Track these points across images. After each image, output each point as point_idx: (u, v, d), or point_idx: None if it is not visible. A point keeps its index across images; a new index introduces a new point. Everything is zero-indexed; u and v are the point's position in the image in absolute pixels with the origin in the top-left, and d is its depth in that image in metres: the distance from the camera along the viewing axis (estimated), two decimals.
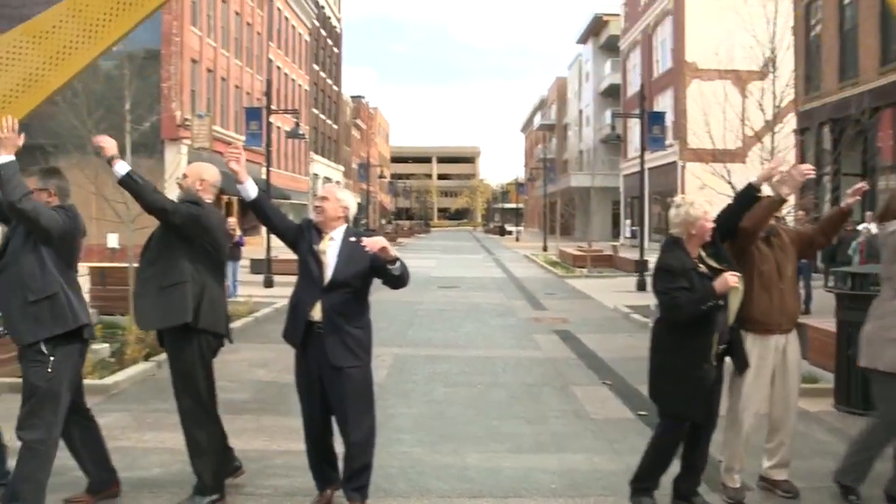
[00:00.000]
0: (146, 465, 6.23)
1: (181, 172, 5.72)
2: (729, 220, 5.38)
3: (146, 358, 10.07)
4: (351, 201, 5.42)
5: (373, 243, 4.94)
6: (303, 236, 5.32)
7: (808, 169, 5.42)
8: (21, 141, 4.98)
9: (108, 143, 5.20)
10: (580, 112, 70.31)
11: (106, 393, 8.72)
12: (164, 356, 10.28)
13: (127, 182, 5.12)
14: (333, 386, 5.14)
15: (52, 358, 4.85)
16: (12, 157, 4.86)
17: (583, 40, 67.28)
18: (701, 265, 5.15)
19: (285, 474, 6.03)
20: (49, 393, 4.87)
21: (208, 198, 5.58)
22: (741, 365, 5.31)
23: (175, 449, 6.61)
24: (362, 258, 5.14)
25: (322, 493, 5.38)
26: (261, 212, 5.40)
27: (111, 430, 7.20)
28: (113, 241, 29.87)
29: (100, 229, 30.68)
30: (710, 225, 5.16)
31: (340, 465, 5.37)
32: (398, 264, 5.08)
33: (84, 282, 15.80)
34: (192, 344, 5.38)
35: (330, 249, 5.22)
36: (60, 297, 4.87)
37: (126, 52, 13.29)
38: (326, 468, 5.41)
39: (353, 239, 5.24)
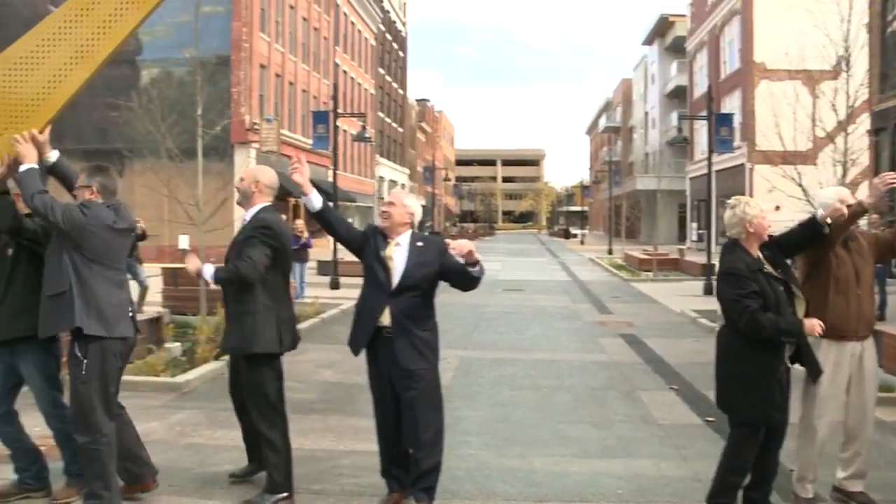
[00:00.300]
0: (217, 461, 6.35)
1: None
2: (790, 244, 5.29)
3: (216, 357, 10.26)
4: (416, 207, 5.52)
5: (460, 247, 5.09)
6: (368, 243, 5.39)
7: (892, 178, 5.26)
8: (45, 137, 5.28)
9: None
10: (646, 114, 69.53)
11: (178, 391, 8.93)
12: None
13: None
14: (403, 388, 5.22)
15: (84, 360, 4.95)
16: (33, 166, 5.08)
17: (648, 41, 66.52)
18: (766, 265, 5.04)
19: (352, 474, 6.10)
20: (85, 396, 4.95)
21: (265, 200, 5.71)
22: (814, 372, 5.18)
23: (245, 446, 6.75)
24: (430, 262, 5.30)
25: (391, 493, 5.43)
26: (326, 222, 5.48)
27: (183, 427, 7.40)
28: (184, 242, 30.57)
29: (171, 231, 31.50)
30: (768, 223, 5.05)
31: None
32: (478, 267, 5.21)
33: (157, 282, 16.23)
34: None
35: (397, 254, 5.29)
36: (66, 296, 4.95)
37: (198, 58, 13.58)
38: (397, 470, 5.45)
39: (419, 243, 5.36)
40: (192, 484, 5.82)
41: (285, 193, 33.72)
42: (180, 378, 9.23)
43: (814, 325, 4.89)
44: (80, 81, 5.33)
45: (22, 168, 5.07)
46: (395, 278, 5.23)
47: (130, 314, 5.19)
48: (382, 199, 58.44)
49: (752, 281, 4.92)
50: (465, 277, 5.32)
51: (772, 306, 4.92)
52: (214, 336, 10.60)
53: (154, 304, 15.11)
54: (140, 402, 8.25)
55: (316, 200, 5.34)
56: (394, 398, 5.33)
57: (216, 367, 9.95)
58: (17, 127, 5.22)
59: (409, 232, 5.42)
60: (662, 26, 61.03)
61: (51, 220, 4.91)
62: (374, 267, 5.30)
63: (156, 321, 11.22)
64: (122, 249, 5.23)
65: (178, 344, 11.07)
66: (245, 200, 5.68)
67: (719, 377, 5.20)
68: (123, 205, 5.30)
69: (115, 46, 5.32)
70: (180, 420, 7.71)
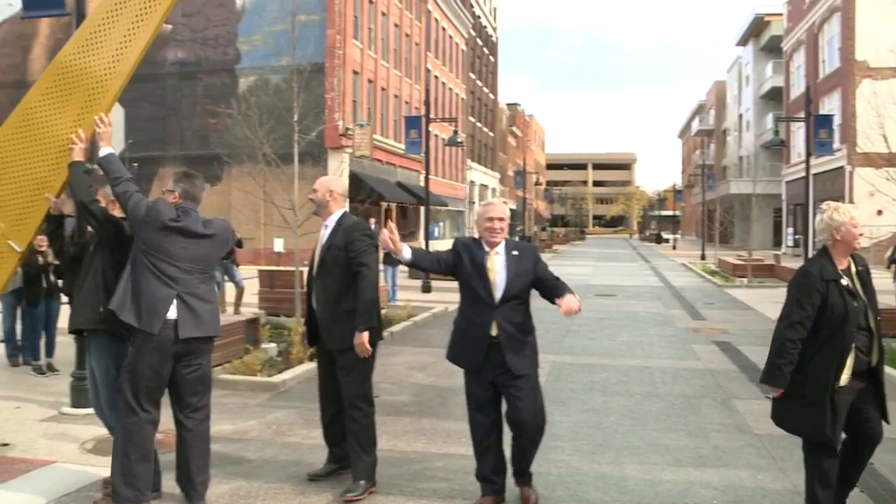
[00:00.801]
0: (312, 460, 6.47)
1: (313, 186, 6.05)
2: None
3: (311, 358, 10.46)
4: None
5: (568, 308, 5.23)
6: (461, 260, 5.45)
7: None
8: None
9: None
10: (740, 116, 67.89)
11: (274, 390, 9.15)
12: None
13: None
14: (512, 392, 5.33)
15: (130, 348, 5.20)
16: (113, 150, 5.47)
17: (742, 42, 64.91)
18: (845, 278, 4.82)
19: (444, 477, 6.14)
20: (119, 380, 5.22)
21: (342, 206, 5.96)
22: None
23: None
24: (527, 270, 5.42)
25: (484, 497, 5.45)
26: (420, 267, 5.66)
27: (280, 426, 7.58)
28: (279, 245, 31.32)
29: (267, 234, 32.30)
30: (858, 231, 4.84)
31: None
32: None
33: (253, 284, 16.66)
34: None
35: (497, 265, 5.38)
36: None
37: (294, 66, 13.88)
38: (495, 476, 5.48)
39: (515, 252, 5.46)
40: (289, 482, 5.96)
41: (379, 197, 34.23)
42: (276, 378, 9.45)
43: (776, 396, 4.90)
44: (141, 47, 5.69)
45: (103, 152, 5.42)
46: (498, 291, 5.33)
47: (174, 316, 5.10)
48: (473, 203, 58.47)
49: (817, 290, 4.75)
50: (556, 291, 5.39)
51: (835, 321, 4.72)
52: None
53: (251, 306, 15.52)
54: (238, 401, 8.51)
55: (406, 253, 5.40)
56: (495, 403, 5.44)
57: (311, 368, 10.13)
58: (94, 102, 5.60)
59: (504, 240, 5.51)
60: (757, 26, 59.48)
61: (123, 205, 5.27)
62: (472, 283, 5.38)
63: (252, 322, 11.53)
64: (179, 248, 5.21)
65: (273, 344, 11.33)
66: (322, 209, 5.95)
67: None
68: (190, 209, 5.41)
69: (167, 9, 5.70)
70: (276, 419, 7.90)
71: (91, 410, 7.62)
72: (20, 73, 39.12)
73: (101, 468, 5.94)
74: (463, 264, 5.42)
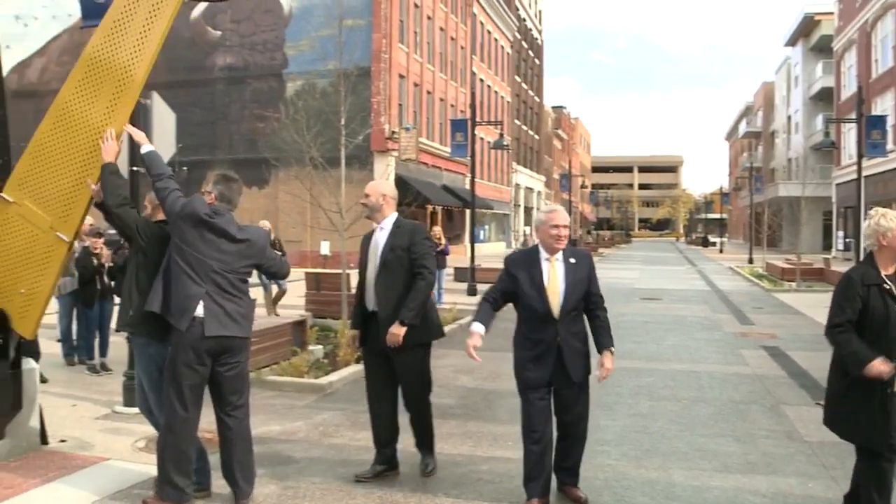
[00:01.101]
0: (359, 461, 6.52)
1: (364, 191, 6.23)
2: None
3: (357, 360, 10.54)
4: None
5: (606, 373, 5.49)
6: (518, 279, 5.51)
7: None
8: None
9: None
10: (788, 118, 66.83)
11: (321, 392, 9.23)
12: None
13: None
14: (571, 396, 5.55)
15: (170, 349, 5.38)
16: (152, 147, 5.73)
17: (791, 42, 63.85)
18: (889, 283, 4.76)
19: (490, 480, 6.15)
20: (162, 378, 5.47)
21: (394, 210, 6.21)
22: None
23: None
24: (583, 278, 5.56)
25: (531, 499, 5.44)
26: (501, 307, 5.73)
27: (326, 428, 7.66)
28: (325, 248, 31.57)
29: (313, 237, 32.60)
30: None
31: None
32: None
33: (300, 286, 16.82)
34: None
35: (558, 274, 5.49)
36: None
37: (341, 69, 14.00)
38: (547, 480, 5.52)
39: (572, 259, 5.56)
40: (336, 482, 6.02)
41: (425, 200, 34.35)
42: (323, 380, 9.53)
43: (878, 369, 4.57)
44: (161, 31, 5.86)
45: (145, 149, 5.65)
46: (559, 303, 5.42)
47: (200, 314, 5.22)
48: (519, 206, 58.17)
49: (859, 295, 4.73)
50: (600, 334, 5.65)
51: (876, 326, 4.68)
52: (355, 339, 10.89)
53: (297, 308, 15.67)
54: (285, 402, 8.61)
55: (479, 329, 5.49)
56: (549, 406, 5.54)
57: (357, 370, 10.21)
58: (124, 88, 5.82)
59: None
60: (807, 26, 58.51)
61: (161, 201, 5.44)
62: (533, 299, 5.44)
63: (299, 324, 11.64)
64: (210, 246, 5.33)
65: (320, 347, 11.44)
66: (375, 213, 6.15)
67: (826, 392, 5.04)
68: (222, 208, 5.51)
69: None
70: (323, 420, 7.98)
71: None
72: None
73: (152, 466, 6.04)
74: (521, 281, 5.48)
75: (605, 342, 5.56)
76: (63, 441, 6.83)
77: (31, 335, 6.08)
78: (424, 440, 6.29)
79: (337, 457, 6.69)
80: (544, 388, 5.48)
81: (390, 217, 6.11)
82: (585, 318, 5.64)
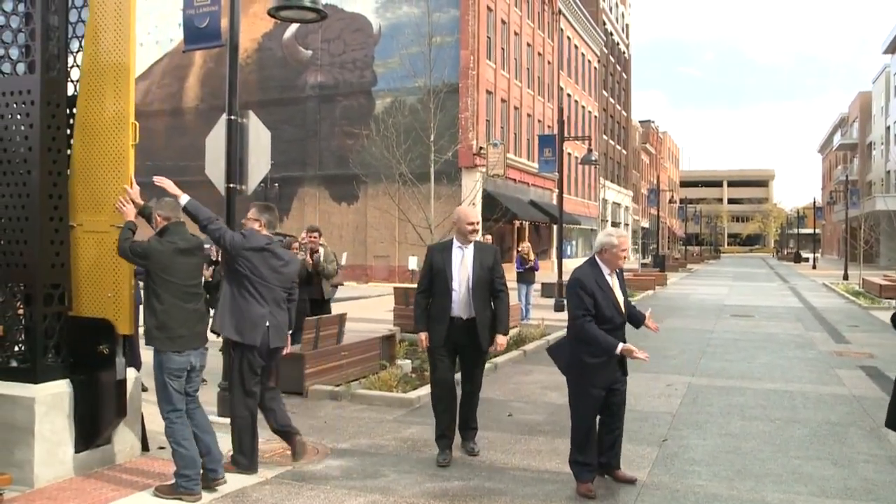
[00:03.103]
0: (447, 476, 6.59)
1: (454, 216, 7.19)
2: None
3: None
4: None
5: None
6: (595, 295, 6.12)
7: None
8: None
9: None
10: (887, 129, 64.35)
11: (409, 406, 9.31)
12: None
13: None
14: (619, 388, 6.34)
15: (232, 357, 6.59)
16: (188, 197, 6.25)
17: (890, 50, 61.51)
18: None
19: (580, 497, 6.12)
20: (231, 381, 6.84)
21: (477, 237, 7.28)
22: None
23: (473, 464, 6.97)
24: (625, 290, 6.46)
25: (586, 483, 6.18)
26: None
27: (415, 442, 7.73)
28: (413, 263, 31.82)
29: (401, 252, 32.94)
30: None
31: None
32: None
33: (388, 301, 17.01)
34: None
35: (617, 286, 6.31)
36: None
37: (430, 86, 14.16)
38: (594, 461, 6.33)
39: (617, 272, 6.37)
40: (424, 497, 6.08)
41: (512, 216, 34.35)
42: (412, 394, 9.62)
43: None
44: (131, 16, 6.41)
45: (183, 200, 6.21)
46: (624, 311, 6.28)
47: (266, 325, 6.42)
48: (606, 222, 57.68)
49: None
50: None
51: None
52: None
53: (386, 322, 15.85)
54: (374, 416, 8.73)
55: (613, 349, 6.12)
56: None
57: None
58: (121, 78, 6.38)
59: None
60: None
61: (218, 239, 6.30)
62: (610, 311, 6.13)
63: (388, 339, 11.78)
64: (269, 270, 6.44)
65: (408, 361, 11.55)
66: (472, 235, 7.26)
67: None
68: (276, 243, 6.68)
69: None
70: (412, 435, 8.05)
71: None
72: (176, 100, 41.50)
73: (243, 475, 6.32)
74: (598, 296, 6.12)
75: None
76: (162, 448, 7.08)
77: (129, 330, 6.47)
78: (475, 428, 7.42)
79: (425, 472, 6.76)
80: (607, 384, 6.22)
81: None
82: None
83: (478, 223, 7.22)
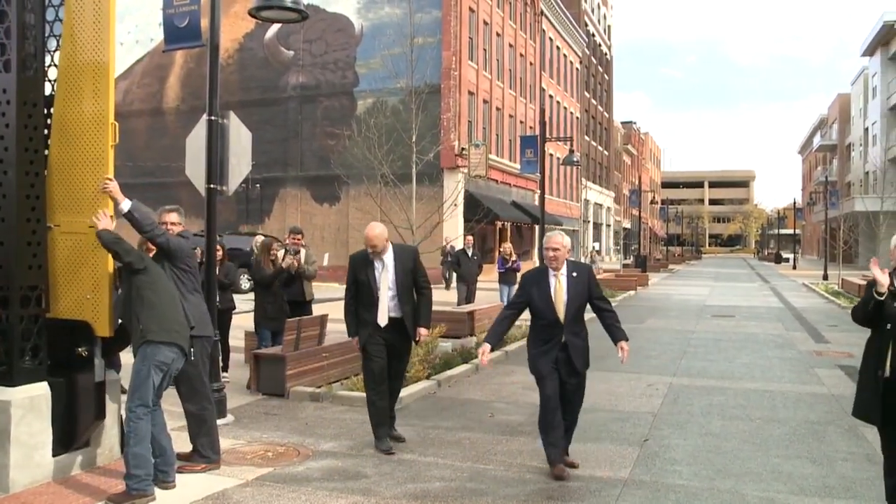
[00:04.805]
0: (427, 478, 6.58)
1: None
2: None
3: (428, 377, 10.60)
4: (568, 241, 6.94)
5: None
6: (532, 294, 6.77)
7: None
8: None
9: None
10: (866, 130, 64.90)
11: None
12: (444, 375, 10.84)
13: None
14: (571, 387, 6.75)
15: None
16: (130, 202, 6.19)
17: (869, 52, 62.00)
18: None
19: (560, 497, 6.13)
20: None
21: (383, 246, 7.54)
22: None
23: (455, 465, 6.96)
24: (583, 290, 6.82)
25: (559, 465, 6.61)
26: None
27: (396, 443, 7.69)
28: None
29: None
30: None
31: None
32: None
33: None
34: None
35: (563, 286, 6.74)
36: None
37: (411, 87, 14.14)
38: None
39: (574, 273, 6.82)
40: (406, 498, 6.06)
41: (494, 217, 34.36)
42: None
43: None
44: (110, 15, 6.36)
45: (125, 206, 6.14)
46: (562, 311, 6.67)
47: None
48: (588, 222, 57.78)
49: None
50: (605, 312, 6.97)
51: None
52: (425, 356, 10.97)
53: None
54: (355, 417, 8.69)
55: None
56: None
57: (427, 386, 10.29)
58: (100, 77, 6.36)
59: (566, 263, 6.80)
60: (886, 34, 56.77)
61: (163, 244, 6.38)
62: (542, 308, 6.71)
63: None
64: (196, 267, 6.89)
65: None
66: (383, 251, 7.58)
67: None
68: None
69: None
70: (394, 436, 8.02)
71: (226, 420, 8.03)
72: (157, 101, 41.27)
73: (226, 477, 6.29)
74: (536, 294, 6.73)
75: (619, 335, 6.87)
76: None
77: (110, 332, 6.38)
78: (394, 417, 7.83)
79: (407, 473, 6.74)
80: (555, 376, 6.64)
81: (389, 248, 7.55)
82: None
83: (378, 244, 7.43)
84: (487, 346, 6.81)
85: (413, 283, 7.58)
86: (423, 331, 7.64)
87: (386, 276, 7.46)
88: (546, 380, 6.63)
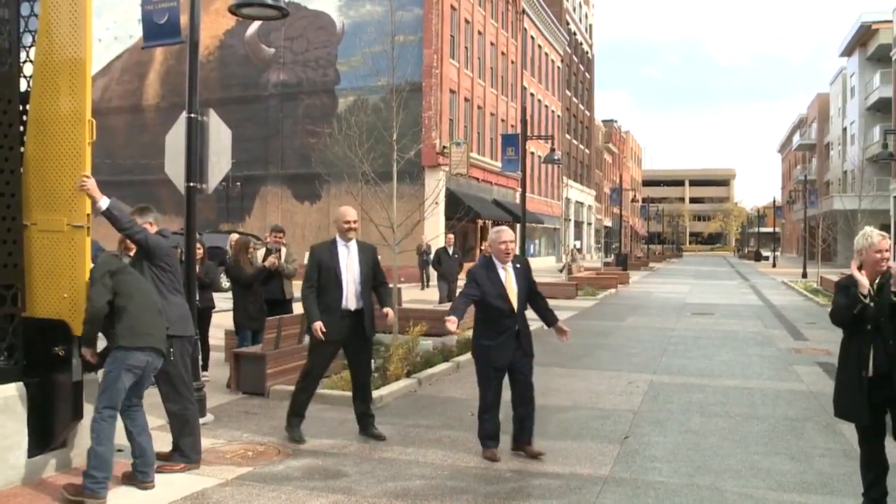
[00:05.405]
0: (408, 476, 6.56)
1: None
2: None
3: (408, 375, 10.58)
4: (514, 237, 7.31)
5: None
6: (483, 285, 7.01)
7: None
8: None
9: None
10: (844, 130, 65.50)
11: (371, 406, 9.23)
12: (425, 373, 10.83)
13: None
14: (522, 370, 7.13)
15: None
16: (108, 200, 6.19)
17: (847, 52, 62.60)
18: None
19: (541, 495, 6.13)
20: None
21: (355, 235, 7.81)
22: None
23: (435, 463, 6.95)
24: (526, 281, 7.21)
25: (492, 449, 7.09)
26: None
27: (377, 442, 7.68)
28: None
29: None
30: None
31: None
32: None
33: None
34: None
35: (512, 278, 7.08)
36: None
37: (393, 85, 14.08)
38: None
39: (518, 265, 7.18)
40: (386, 497, 6.04)
41: (475, 215, 34.37)
42: (374, 394, 9.51)
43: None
44: (87, 11, 6.32)
45: (103, 204, 6.13)
46: (515, 301, 7.03)
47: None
48: (569, 220, 57.90)
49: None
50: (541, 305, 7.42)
51: None
52: (406, 354, 10.95)
53: None
54: (336, 416, 8.67)
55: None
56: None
57: (407, 384, 10.28)
58: (77, 73, 6.28)
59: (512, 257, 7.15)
60: (864, 35, 57.34)
61: (142, 241, 6.36)
62: (495, 299, 6.99)
63: None
64: (178, 265, 6.88)
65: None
66: (354, 233, 7.83)
67: None
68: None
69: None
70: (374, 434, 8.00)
71: (206, 419, 7.98)
72: (136, 98, 40.99)
73: (206, 476, 6.25)
74: (487, 286, 7.01)
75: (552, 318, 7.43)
76: (120, 450, 6.96)
77: None
78: (373, 415, 7.99)
79: (387, 471, 6.72)
80: (505, 364, 7.04)
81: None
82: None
83: (355, 222, 7.72)
84: (454, 318, 6.88)
85: (373, 279, 7.76)
86: (388, 310, 7.78)
87: (352, 265, 7.64)
88: (496, 376, 7.06)
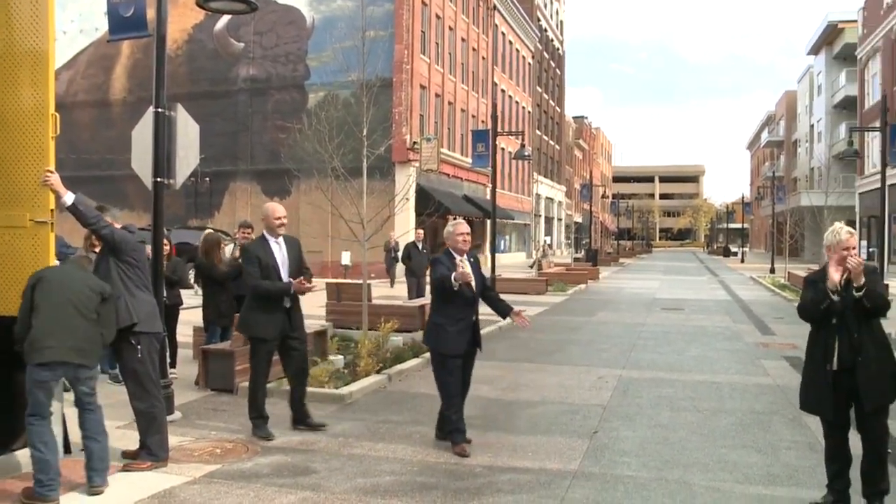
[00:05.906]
0: (379, 471, 6.56)
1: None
2: None
3: (378, 371, 10.56)
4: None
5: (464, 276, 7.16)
6: (441, 267, 7.20)
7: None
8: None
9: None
10: (811, 127, 66.25)
11: (341, 402, 9.24)
12: (395, 369, 10.80)
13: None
14: (471, 364, 7.53)
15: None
16: (73, 195, 6.17)
17: (814, 51, 63.30)
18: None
19: (510, 490, 6.14)
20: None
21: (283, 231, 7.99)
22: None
23: (405, 459, 6.95)
24: (480, 273, 7.56)
25: (461, 444, 7.22)
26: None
27: (346, 438, 7.67)
28: (346, 258, 31.63)
29: (334, 247, 32.67)
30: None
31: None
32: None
33: (321, 296, 16.86)
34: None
35: (469, 269, 7.24)
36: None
37: (363, 81, 14.02)
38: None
39: (471, 259, 7.46)
40: (356, 493, 6.03)
41: (446, 211, 34.33)
42: (344, 390, 9.53)
43: None
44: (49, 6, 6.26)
45: (68, 199, 6.10)
46: (475, 291, 7.30)
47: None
48: (540, 216, 58.04)
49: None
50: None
51: None
52: (376, 350, 10.93)
53: (318, 318, 15.69)
54: None
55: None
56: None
57: (378, 380, 10.25)
58: (39, 67, 6.22)
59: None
60: (830, 34, 58.00)
61: (107, 236, 6.37)
62: (465, 290, 7.14)
63: (320, 334, 11.68)
64: (146, 260, 6.97)
65: (340, 357, 11.43)
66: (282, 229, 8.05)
67: None
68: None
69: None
70: (343, 430, 7.99)
71: (173, 417, 7.91)
72: (103, 92, 40.47)
73: (171, 475, 6.19)
74: (444, 268, 7.18)
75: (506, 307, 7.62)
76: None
77: None
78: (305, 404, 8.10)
79: (356, 468, 6.71)
80: (468, 352, 7.35)
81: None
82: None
83: (284, 217, 7.93)
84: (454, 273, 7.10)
85: (299, 269, 7.94)
86: (304, 280, 7.84)
87: (285, 260, 7.85)
88: (456, 363, 7.22)
